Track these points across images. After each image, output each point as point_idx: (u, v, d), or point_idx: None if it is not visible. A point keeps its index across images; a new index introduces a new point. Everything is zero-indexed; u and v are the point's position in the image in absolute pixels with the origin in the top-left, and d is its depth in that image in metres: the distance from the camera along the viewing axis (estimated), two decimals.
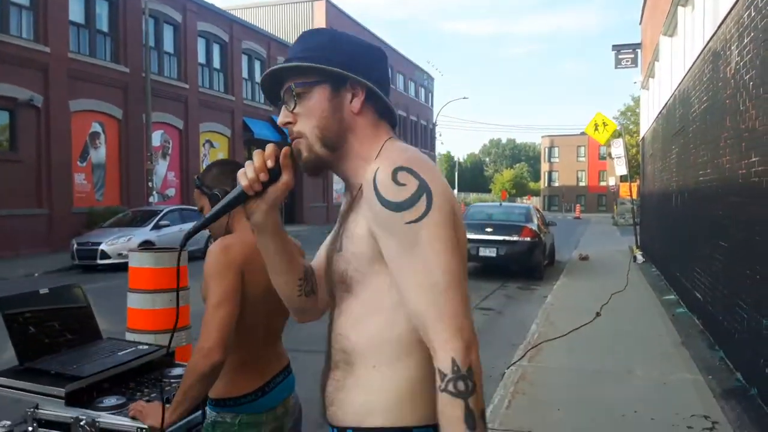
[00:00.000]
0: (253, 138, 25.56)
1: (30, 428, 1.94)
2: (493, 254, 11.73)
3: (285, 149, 1.22)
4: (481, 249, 11.73)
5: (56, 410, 1.93)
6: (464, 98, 50.13)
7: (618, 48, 19.21)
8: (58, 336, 2.31)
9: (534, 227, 12.10)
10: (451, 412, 1.02)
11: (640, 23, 18.20)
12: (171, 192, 21.84)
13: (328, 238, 1.41)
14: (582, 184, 74.47)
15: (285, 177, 1.21)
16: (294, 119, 1.24)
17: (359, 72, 1.22)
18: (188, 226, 15.29)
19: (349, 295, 1.22)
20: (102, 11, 19.18)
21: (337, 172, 1.29)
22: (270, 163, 1.19)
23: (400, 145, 1.24)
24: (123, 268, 12.72)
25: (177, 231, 14.84)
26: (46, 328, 2.28)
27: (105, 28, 19.27)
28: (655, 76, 13.94)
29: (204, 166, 17.66)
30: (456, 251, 1.10)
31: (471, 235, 11.89)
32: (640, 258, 14.40)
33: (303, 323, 1.47)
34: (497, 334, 7.15)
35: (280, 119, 1.26)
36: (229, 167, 2.07)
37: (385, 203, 1.09)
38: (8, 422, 2.07)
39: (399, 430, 1.16)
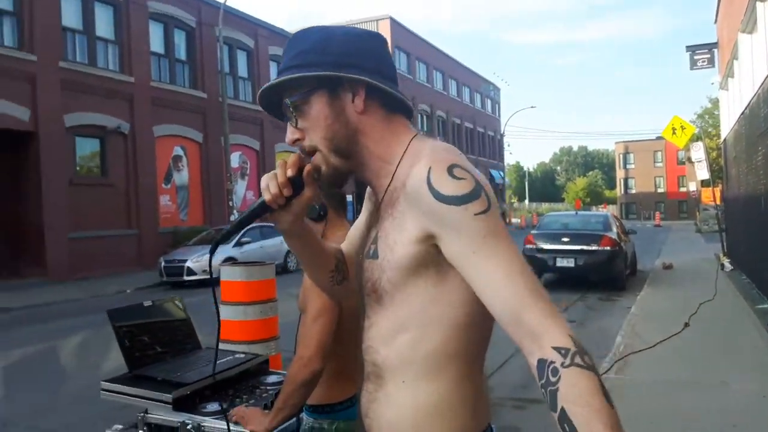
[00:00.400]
0: None
1: (141, 431, 2.05)
2: (571, 264, 11.44)
3: (308, 167, 1.17)
4: (558, 259, 11.48)
5: (164, 415, 2.02)
6: (532, 107, 49.55)
7: (693, 49, 18.45)
8: (162, 345, 2.41)
9: (614, 236, 11.74)
10: (586, 383, 0.89)
11: (715, 22, 17.50)
12: None
13: (357, 227, 1.37)
14: (660, 190, 71.58)
15: (308, 192, 1.17)
16: (301, 135, 1.18)
17: (354, 67, 1.12)
18: (269, 242, 15.81)
19: (379, 306, 1.16)
20: (180, 41, 20.15)
21: (359, 179, 1.22)
22: (291, 172, 1.15)
23: (435, 142, 1.14)
24: (208, 284, 13.31)
25: (258, 248, 15.31)
26: (151, 338, 2.39)
27: (183, 57, 20.23)
28: (735, 75, 13.34)
29: None
30: None
31: (547, 245, 11.68)
32: (728, 266, 13.71)
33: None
34: None
35: (288, 137, 1.20)
36: None
37: (446, 199, 1.01)
38: (120, 426, 2.15)
39: None
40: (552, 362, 0.91)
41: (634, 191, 73.11)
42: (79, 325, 9.38)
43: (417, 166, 1.07)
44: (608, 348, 6.42)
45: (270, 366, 2.63)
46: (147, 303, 2.49)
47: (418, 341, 1.11)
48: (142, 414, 2.07)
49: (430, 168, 1.04)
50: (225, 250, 14.58)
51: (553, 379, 0.90)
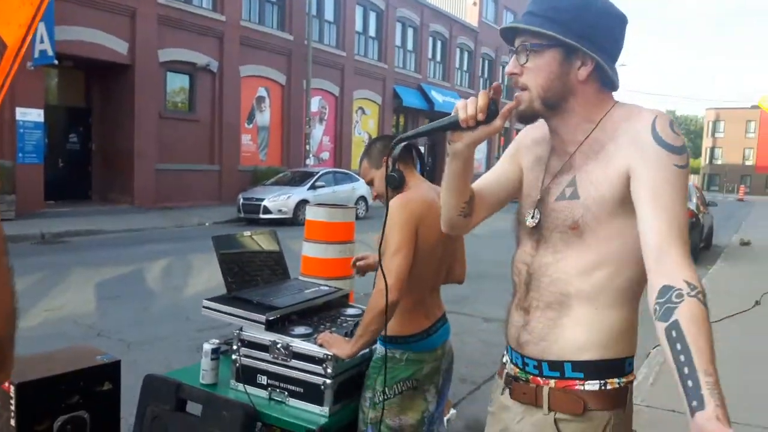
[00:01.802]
0: (401, 106, 26.04)
1: (235, 346, 2.26)
2: None
3: (510, 105, 1.33)
4: None
5: (258, 334, 2.22)
6: (621, 65, 47.15)
7: None
8: (257, 272, 2.64)
9: (692, 206, 11.41)
10: (701, 312, 1.10)
11: None
12: (325, 155, 22.96)
13: (500, 174, 1.57)
14: (749, 162, 67.89)
15: (498, 122, 1.31)
16: (521, 71, 1.33)
17: (594, 45, 1.28)
18: (341, 187, 16.19)
19: (579, 241, 1.32)
20: None
21: (551, 127, 1.40)
22: (482, 101, 1.28)
23: (637, 105, 1.34)
24: (281, 222, 13.94)
25: (330, 192, 15.74)
26: (248, 264, 2.62)
27: None
28: None
29: (355, 133, 18.41)
30: None
31: None
32: None
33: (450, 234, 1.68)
34: (646, 315, 6.97)
35: (508, 68, 1.36)
36: (390, 141, 2.36)
37: (664, 144, 1.22)
38: (216, 340, 2.40)
39: (612, 361, 1.33)
40: (679, 289, 1.12)
41: (719, 162, 69.70)
42: (164, 251, 10.05)
43: (637, 117, 1.28)
44: None
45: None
46: (246, 233, 2.73)
47: (618, 272, 1.31)
48: (238, 331, 2.28)
49: (656, 117, 1.25)
50: (299, 192, 15.13)
51: (676, 300, 1.11)
